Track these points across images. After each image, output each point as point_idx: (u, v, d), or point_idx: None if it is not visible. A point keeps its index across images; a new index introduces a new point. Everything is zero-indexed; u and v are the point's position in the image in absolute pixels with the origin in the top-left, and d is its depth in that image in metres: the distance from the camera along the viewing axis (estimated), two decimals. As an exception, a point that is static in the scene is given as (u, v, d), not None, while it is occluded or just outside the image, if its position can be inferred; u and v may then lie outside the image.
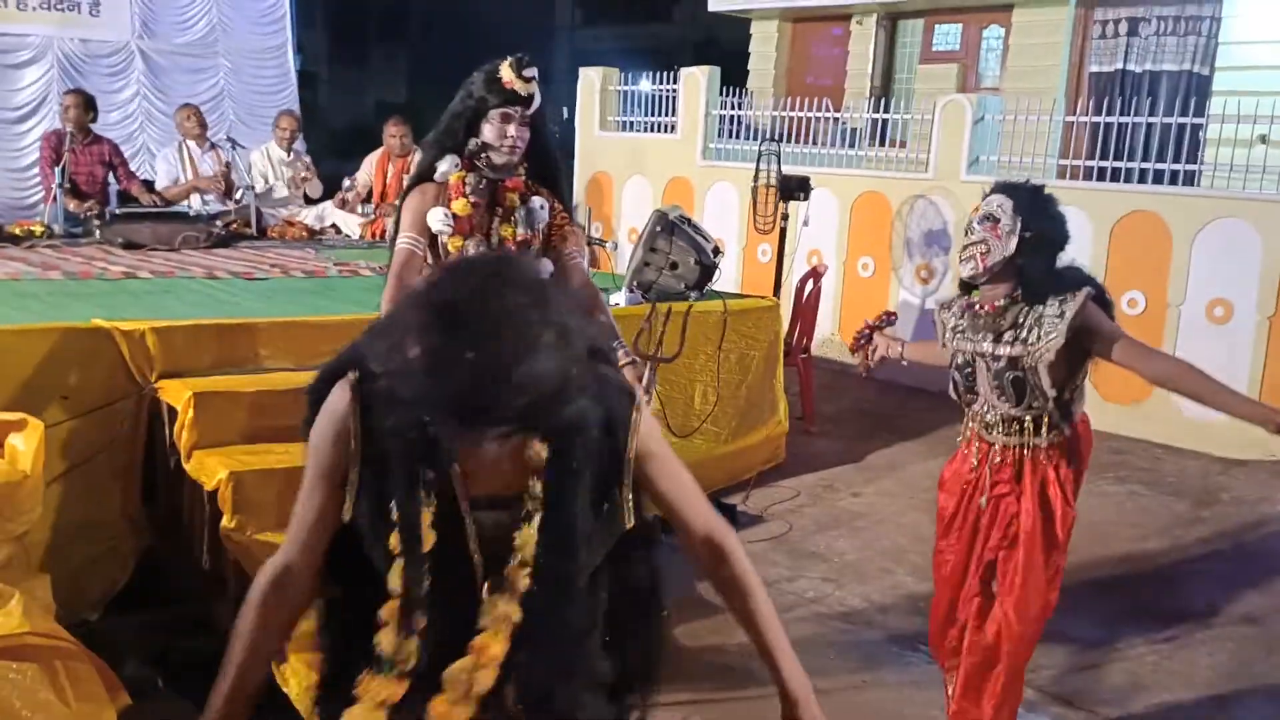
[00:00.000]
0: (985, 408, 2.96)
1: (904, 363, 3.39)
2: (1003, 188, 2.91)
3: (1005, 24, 10.09)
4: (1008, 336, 2.84)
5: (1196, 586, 4.61)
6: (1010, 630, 2.94)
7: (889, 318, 3.48)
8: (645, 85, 10.25)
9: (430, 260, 3.07)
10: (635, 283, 5.41)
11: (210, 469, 3.34)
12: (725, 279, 7.11)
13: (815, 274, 6.97)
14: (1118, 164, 7.14)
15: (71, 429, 3.50)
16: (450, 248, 3.04)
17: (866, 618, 4.16)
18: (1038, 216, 2.82)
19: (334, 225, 7.44)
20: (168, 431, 3.63)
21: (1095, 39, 9.57)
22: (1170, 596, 4.51)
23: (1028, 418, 2.88)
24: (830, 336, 8.24)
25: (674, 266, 5.56)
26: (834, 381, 7.57)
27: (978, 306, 2.92)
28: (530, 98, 3.02)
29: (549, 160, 3.23)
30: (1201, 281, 6.56)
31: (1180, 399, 6.12)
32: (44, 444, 2.88)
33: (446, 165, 3.07)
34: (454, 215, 3.04)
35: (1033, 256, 2.80)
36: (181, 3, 9.19)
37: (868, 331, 3.43)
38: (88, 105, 7.00)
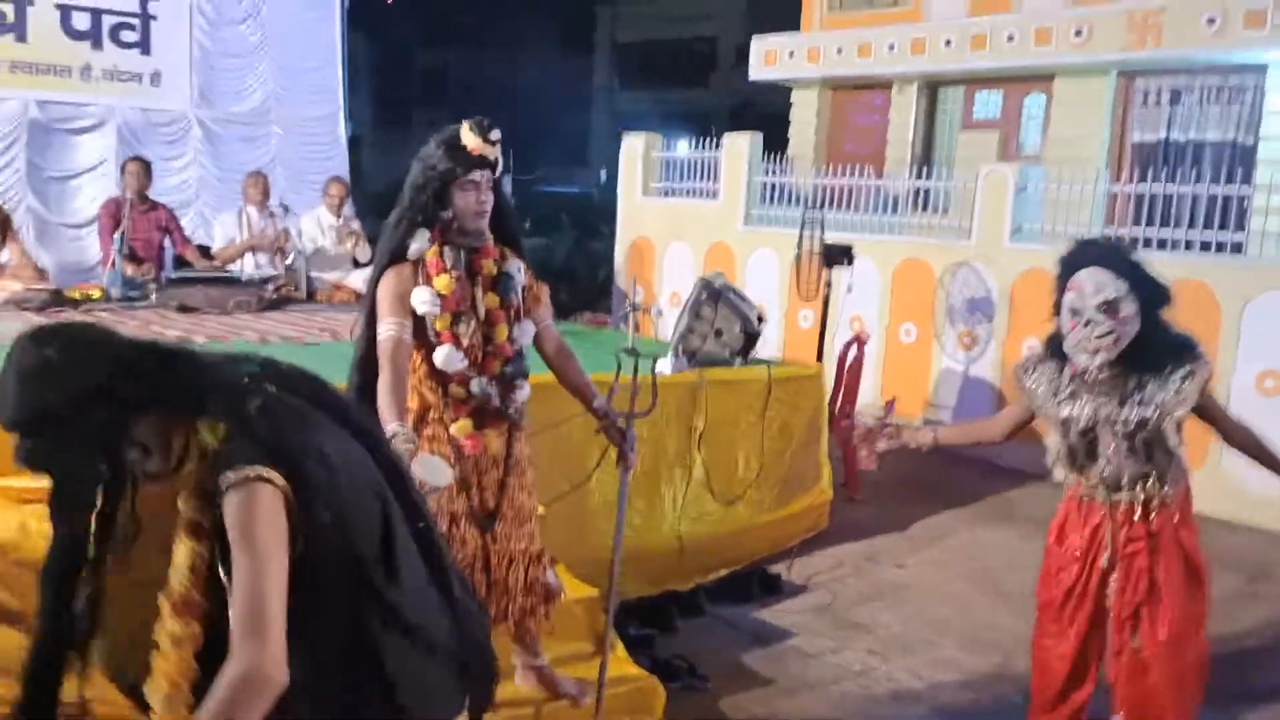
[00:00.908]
0: (1106, 468, 2.96)
1: (927, 450, 3.38)
2: (1099, 259, 2.90)
3: (1047, 92, 10.14)
4: (1135, 398, 2.87)
5: (1256, 667, 4.51)
6: (1168, 669, 2.96)
7: (888, 407, 3.52)
8: (683, 149, 10.38)
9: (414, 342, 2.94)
10: (681, 349, 5.46)
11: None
12: (767, 344, 7.13)
13: (859, 341, 6.98)
14: (1164, 233, 7.13)
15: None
16: (438, 327, 2.94)
17: (914, 693, 4.10)
18: (1144, 284, 2.86)
19: (381, 289, 7.55)
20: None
21: (1138, 108, 9.60)
22: (1229, 676, 4.40)
23: (1154, 473, 2.93)
24: (873, 402, 8.21)
25: (719, 334, 5.61)
26: (877, 448, 7.52)
27: (1088, 373, 2.91)
28: (496, 161, 2.94)
29: (509, 222, 3.12)
30: (1251, 352, 6.50)
31: (1230, 467, 6.05)
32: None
33: (419, 242, 2.94)
34: (439, 294, 2.93)
35: (1153, 328, 2.86)
36: (239, 73, 9.48)
37: (863, 434, 3.38)
38: (148, 172, 7.21)
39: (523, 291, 3.11)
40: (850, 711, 3.90)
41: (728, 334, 5.52)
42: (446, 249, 2.97)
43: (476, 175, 2.90)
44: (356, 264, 7.85)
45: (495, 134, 2.91)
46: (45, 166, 8.70)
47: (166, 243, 7.13)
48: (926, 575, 5.39)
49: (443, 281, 2.94)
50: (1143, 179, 7.35)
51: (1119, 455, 2.93)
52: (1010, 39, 9.75)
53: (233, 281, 6.74)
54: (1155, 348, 2.85)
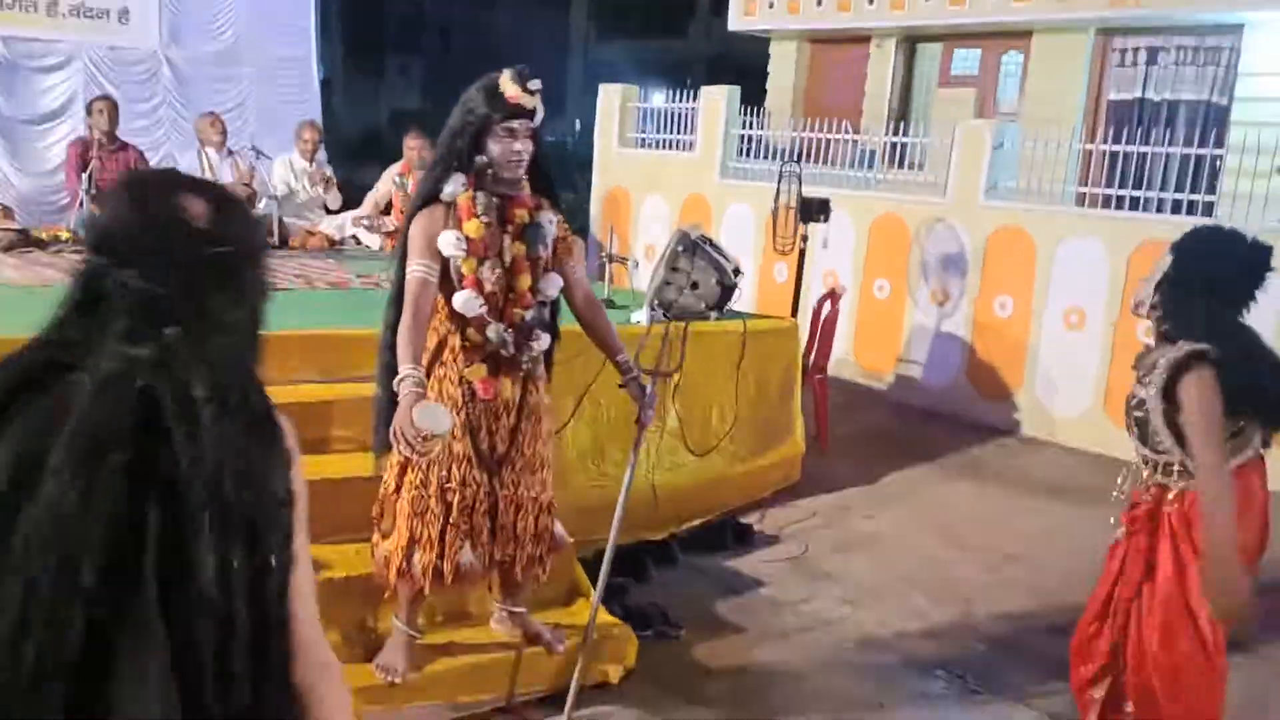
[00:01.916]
0: (1136, 448, 2.94)
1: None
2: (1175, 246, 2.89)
3: (1024, 50, 10.13)
4: (1144, 379, 2.84)
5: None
6: (1160, 660, 2.85)
7: None
8: (659, 100, 10.31)
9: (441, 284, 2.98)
10: (656, 301, 5.44)
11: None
12: (742, 298, 7.13)
13: (833, 295, 7.00)
14: (1135, 193, 7.18)
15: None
16: (464, 270, 2.97)
17: (883, 641, 4.17)
18: (1188, 255, 2.81)
19: (354, 236, 7.50)
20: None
21: (1114, 67, 9.61)
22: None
23: (1160, 460, 2.84)
24: (845, 357, 8.27)
25: (695, 286, 5.58)
26: (848, 402, 7.60)
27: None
28: (534, 110, 2.97)
29: (547, 173, 3.17)
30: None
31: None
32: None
33: (453, 186, 2.99)
34: (466, 237, 2.97)
35: (1170, 291, 2.80)
36: (209, 12, 9.30)
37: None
38: (115, 112, 7.08)
39: (554, 244, 3.14)
40: (820, 659, 3.97)
41: (704, 287, 5.48)
42: (480, 194, 3.00)
43: (514, 123, 2.94)
44: (328, 210, 7.78)
45: (535, 84, 2.95)
46: (11, 105, 8.54)
47: (136, 184, 7.03)
48: (895, 528, 5.47)
49: (472, 225, 2.98)
50: (1118, 138, 7.39)
51: (1130, 430, 2.92)
52: (990, -6, 9.72)
53: (203, 225, 6.65)
54: (1171, 316, 2.80)
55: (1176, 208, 7.01)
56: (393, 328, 2.93)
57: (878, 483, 6.16)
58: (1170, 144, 7.18)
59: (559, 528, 3.29)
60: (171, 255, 1.17)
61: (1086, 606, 3.11)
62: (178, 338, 1.10)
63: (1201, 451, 2.68)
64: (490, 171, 2.98)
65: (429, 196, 3.00)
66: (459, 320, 3.01)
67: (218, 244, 1.20)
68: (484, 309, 2.98)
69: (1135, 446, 2.92)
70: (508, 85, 2.92)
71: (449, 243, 2.95)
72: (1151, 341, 2.97)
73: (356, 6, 31.52)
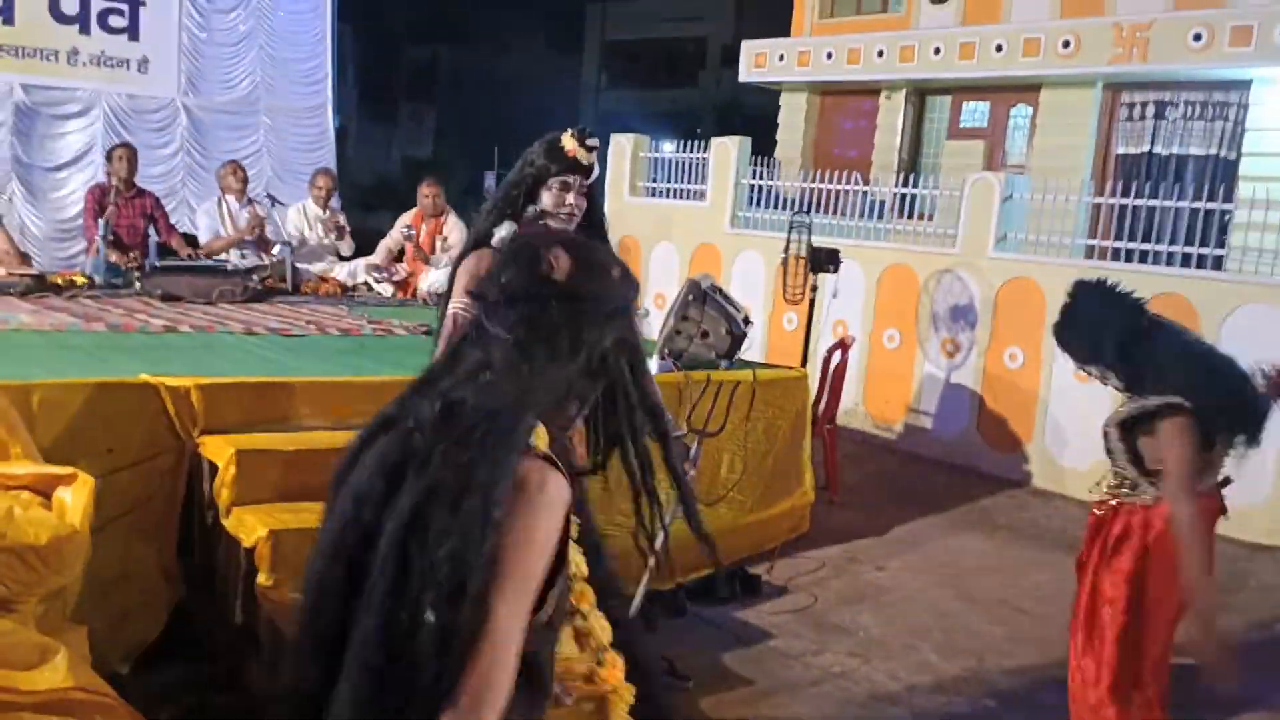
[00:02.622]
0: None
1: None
2: (1055, 333, 3.20)
3: (1033, 103, 10.23)
4: (1122, 398, 3.07)
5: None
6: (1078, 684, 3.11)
7: None
8: (669, 148, 10.40)
9: None
10: (667, 350, 5.47)
11: (249, 526, 3.37)
12: (752, 346, 7.16)
13: (843, 345, 7.01)
14: (1145, 246, 7.20)
15: (113, 481, 3.55)
16: None
17: (892, 695, 4.13)
18: (1091, 345, 3.05)
19: (366, 283, 7.55)
20: (207, 487, 3.68)
21: (1122, 121, 9.69)
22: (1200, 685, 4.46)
23: (1126, 474, 3.06)
24: (855, 407, 8.27)
25: (705, 335, 5.63)
26: (857, 452, 7.59)
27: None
28: (590, 167, 3.10)
29: (601, 230, 3.26)
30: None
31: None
32: (92, 498, 2.92)
33: (504, 231, 3.08)
34: None
35: (1126, 369, 3.01)
36: (227, 61, 9.45)
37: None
38: (134, 159, 7.17)
39: None
40: (829, 713, 3.93)
41: (714, 336, 5.54)
42: None
43: (569, 177, 3.07)
44: (341, 256, 7.84)
45: (593, 141, 3.09)
46: (31, 150, 8.65)
47: (152, 231, 7.10)
48: (905, 579, 5.43)
49: None
50: (1126, 192, 7.43)
51: (1106, 446, 3.09)
52: (998, 49, 9.83)
53: (217, 271, 6.71)
54: (1143, 372, 2.98)
55: (1186, 261, 7.03)
56: None
57: (887, 533, 6.13)
58: (1179, 198, 7.22)
59: None
60: (519, 302, 1.44)
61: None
62: (485, 384, 1.43)
63: (1175, 499, 2.89)
64: (541, 222, 3.08)
65: (479, 240, 3.11)
66: None
67: (565, 297, 1.44)
68: None
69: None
70: (567, 141, 3.07)
71: None
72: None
73: (372, 55, 31.97)
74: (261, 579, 3.30)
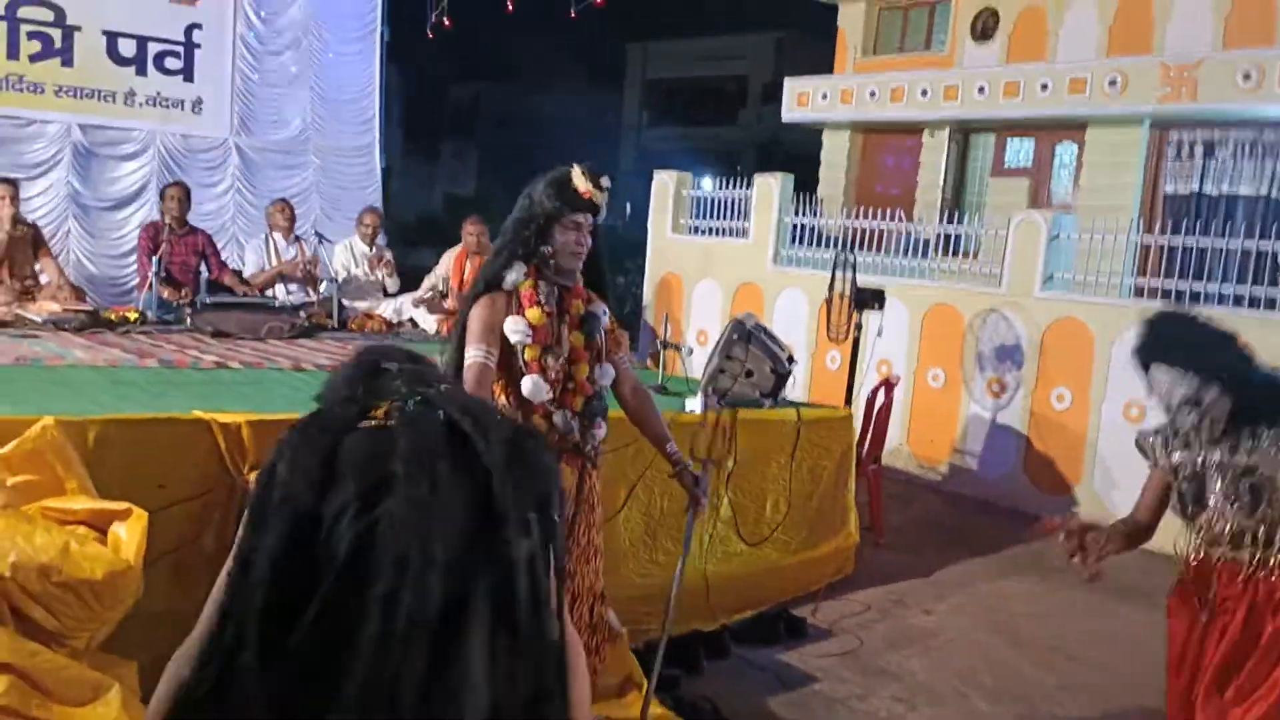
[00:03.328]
0: (1214, 517, 2.84)
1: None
2: (1151, 356, 2.87)
3: (1079, 141, 10.16)
4: (1247, 445, 2.77)
5: None
6: None
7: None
8: (708, 186, 10.44)
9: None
10: (711, 388, 5.46)
11: (297, 562, 3.39)
12: (794, 386, 7.13)
13: (888, 385, 6.97)
14: (1196, 286, 7.11)
15: (164, 517, 3.58)
16: (527, 357, 3.01)
17: (941, 743, 4.06)
18: (1215, 361, 2.79)
19: (411, 319, 7.62)
20: (256, 523, 3.70)
21: (1171, 160, 9.60)
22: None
23: (1262, 529, 2.77)
24: (899, 447, 8.19)
25: (749, 374, 5.62)
26: (901, 493, 7.52)
27: (1205, 421, 2.84)
28: (600, 207, 3.06)
29: (600, 266, 3.24)
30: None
31: None
32: (145, 534, 2.96)
33: (516, 274, 3.06)
34: (530, 325, 3.02)
35: (1245, 393, 2.78)
36: (278, 102, 9.63)
37: (1078, 535, 3.03)
38: (187, 198, 7.32)
39: (604, 335, 3.20)
40: (876, 760, 3.87)
41: (758, 375, 5.52)
42: (541, 283, 3.07)
43: (580, 217, 3.02)
44: (387, 293, 7.94)
45: (605, 181, 3.05)
46: (87, 189, 8.85)
47: (203, 267, 7.22)
48: (952, 623, 5.35)
49: (534, 314, 3.03)
50: (1175, 231, 7.34)
51: (1224, 503, 2.81)
52: (1044, 88, 9.79)
53: (265, 307, 6.81)
54: (1262, 401, 2.78)
55: (1239, 301, 6.92)
56: None
57: (933, 576, 6.05)
58: (1229, 238, 7.12)
59: (612, 616, 3.27)
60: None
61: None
62: (449, 388, 1.38)
63: None
64: (553, 262, 3.05)
65: (491, 284, 3.06)
66: (523, 408, 3.04)
67: None
68: (549, 396, 3.02)
69: (1218, 524, 2.82)
70: (580, 180, 3.02)
71: (515, 329, 3.00)
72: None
73: (416, 94, 32.44)
74: (309, 616, 3.31)
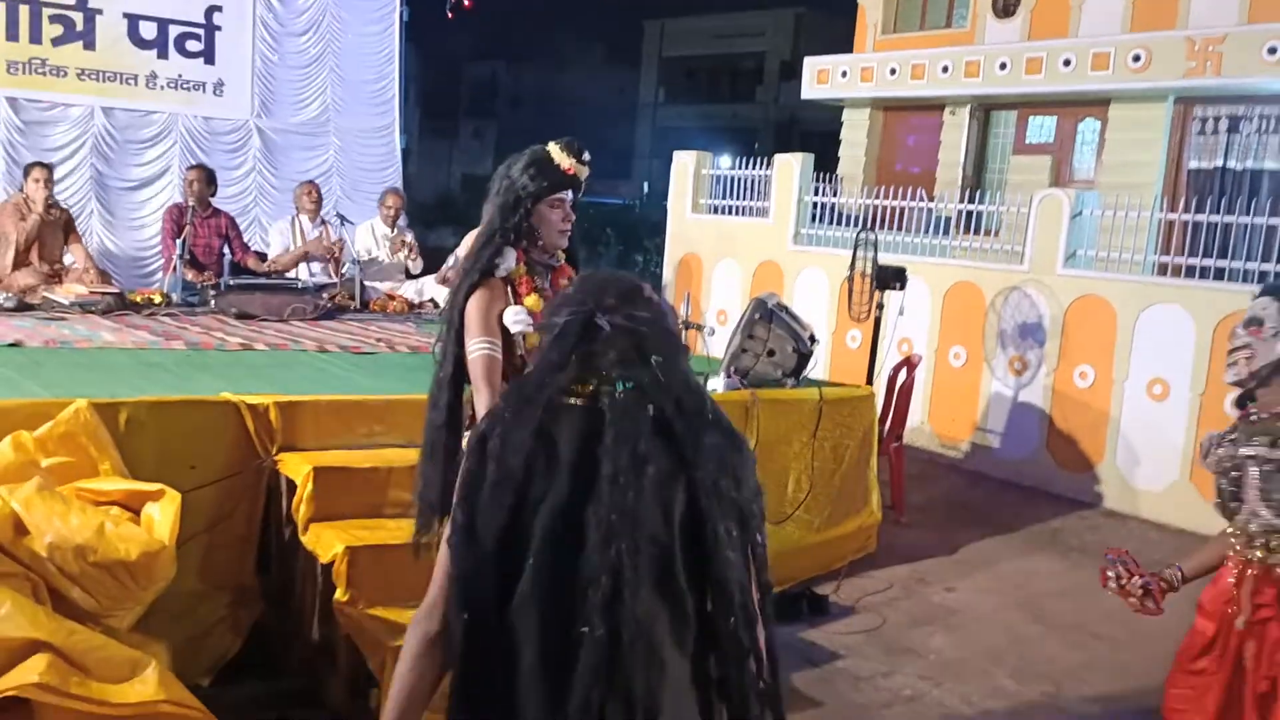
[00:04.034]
0: (1249, 518, 2.71)
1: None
2: (1271, 290, 2.74)
3: (1101, 118, 10.09)
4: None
5: None
6: None
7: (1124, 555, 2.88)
8: (726, 164, 10.40)
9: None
10: (733, 368, 5.47)
11: (327, 542, 3.44)
12: (815, 365, 7.13)
13: (909, 363, 6.96)
14: (1220, 263, 7.05)
15: (195, 498, 3.63)
16: (527, 344, 2.92)
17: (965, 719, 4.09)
18: None
19: (432, 300, 7.64)
20: (285, 504, 3.75)
21: (1195, 135, 9.53)
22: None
23: None
24: (920, 425, 8.18)
25: (771, 354, 5.62)
26: (923, 472, 7.51)
27: (1254, 415, 2.74)
28: (583, 181, 3.00)
29: (573, 244, 3.14)
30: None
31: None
32: (179, 514, 3.00)
33: (509, 261, 2.97)
34: (530, 312, 2.95)
35: None
36: (299, 83, 9.63)
37: (1140, 584, 2.81)
38: (210, 180, 7.37)
39: None
40: (900, 737, 3.89)
41: (780, 354, 5.53)
42: (535, 267, 3.02)
43: (565, 194, 2.97)
44: (409, 274, 7.96)
45: (586, 155, 2.98)
46: (110, 172, 8.89)
47: (226, 249, 7.27)
48: (975, 601, 5.36)
49: (532, 299, 2.98)
50: (1199, 208, 7.28)
51: (1258, 503, 2.68)
52: (1066, 64, 9.71)
53: (288, 289, 6.85)
54: None
55: (1262, 278, 6.87)
56: (449, 407, 2.87)
57: (956, 554, 6.05)
58: (1255, 214, 7.06)
59: None
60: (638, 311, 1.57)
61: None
62: (663, 365, 1.47)
63: None
64: (539, 244, 2.99)
65: (484, 273, 2.94)
66: None
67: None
68: None
69: (1253, 522, 2.70)
70: (562, 157, 2.94)
71: (516, 318, 2.93)
72: (1241, 415, 2.77)
73: (433, 75, 32.42)
74: (339, 595, 3.36)
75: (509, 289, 2.98)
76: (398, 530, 3.42)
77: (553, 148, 2.97)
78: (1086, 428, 7.43)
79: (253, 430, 3.76)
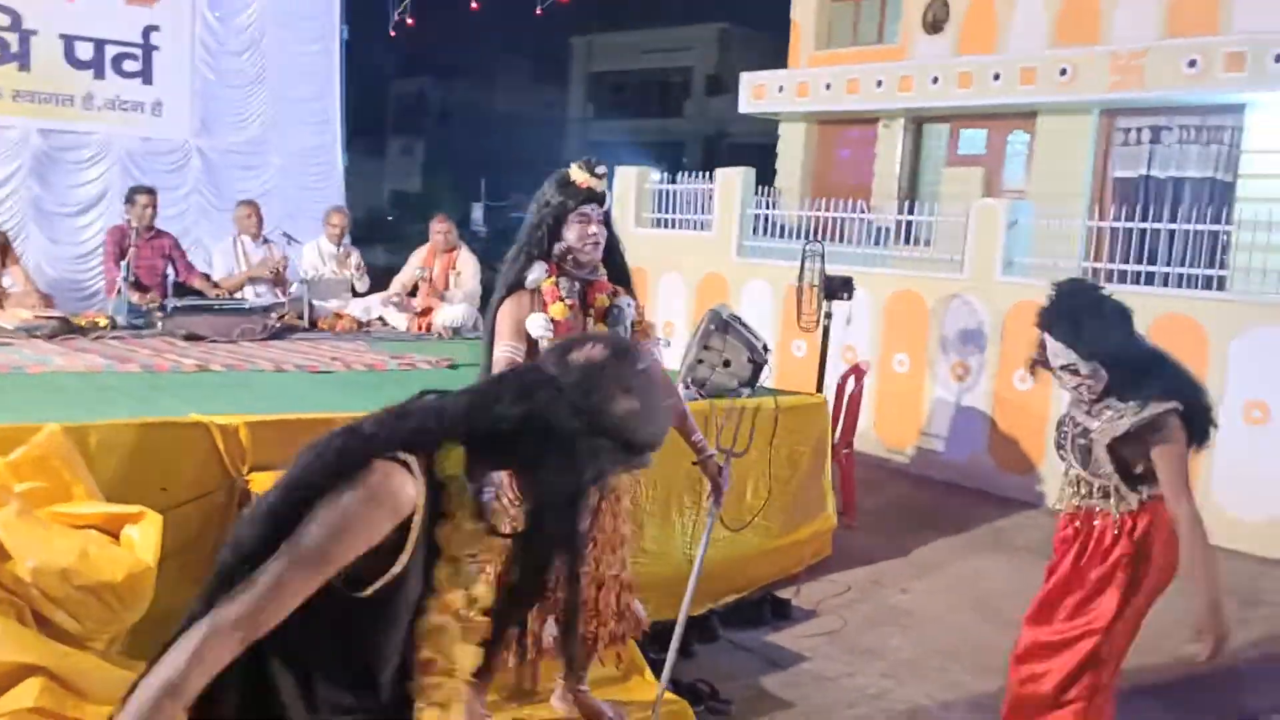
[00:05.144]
0: (1067, 466, 3.29)
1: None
2: (1049, 326, 3.15)
3: (1030, 129, 10.41)
4: (1095, 411, 3.14)
5: (1254, 690, 4.65)
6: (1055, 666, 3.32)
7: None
8: (655, 178, 10.51)
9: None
10: (690, 379, 5.56)
11: (303, 560, 3.43)
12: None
13: (858, 371, 7.11)
14: (1150, 268, 7.33)
15: (168, 519, 3.60)
16: None
17: (929, 714, 4.20)
18: (1096, 341, 3.05)
19: (380, 318, 7.63)
20: (257, 523, 3.74)
21: (1119, 145, 9.87)
22: (1222, 699, 4.54)
23: (1095, 483, 3.18)
24: (866, 431, 8.35)
25: (727, 364, 5.72)
26: (870, 477, 7.66)
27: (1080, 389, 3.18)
28: (603, 194, 3.18)
29: (621, 258, 3.34)
30: (1238, 383, 6.69)
31: (1219, 496, 6.22)
32: (161, 535, 2.99)
33: (537, 272, 3.16)
34: (553, 320, 3.13)
35: (1117, 371, 3.07)
36: (239, 103, 9.56)
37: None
38: (155, 202, 7.27)
39: (631, 326, 3.29)
40: (869, 734, 3.99)
41: (736, 364, 5.63)
42: (562, 279, 3.18)
43: (586, 208, 3.14)
44: (355, 293, 7.93)
45: (601, 169, 3.17)
46: (47, 194, 8.74)
47: (170, 270, 7.18)
48: (930, 601, 5.50)
49: (558, 308, 3.15)
50: (1127, 215, 7.56)
51: (1071, 455, 3.23)
52: (995, 78, 10.01)
53: (237, 310, 6.79)
54: (1128, 376, 3.06)
55: (1190, 282, 7.16)
56: None
57: (908, 556, 6.20)
58: (1177, 220, 7.36)
59: (638, 607, 3.36)
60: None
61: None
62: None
63: (1179, 498, 2.98)
64: (570, 256, 3.16)
65: (513, 285, 3.17)
66: None
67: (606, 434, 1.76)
68: None
69: (1070, 469, 3.27)
70: (578, 174, 3.15)
71: (538, 325, 3.10)
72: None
73: (359, 91, 32.11)
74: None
75: (536, 299, 3.16)
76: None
77: (572, 167, 3.18)
78: (1027, 430, 7.65)
79: (223, 450, 3.75)
